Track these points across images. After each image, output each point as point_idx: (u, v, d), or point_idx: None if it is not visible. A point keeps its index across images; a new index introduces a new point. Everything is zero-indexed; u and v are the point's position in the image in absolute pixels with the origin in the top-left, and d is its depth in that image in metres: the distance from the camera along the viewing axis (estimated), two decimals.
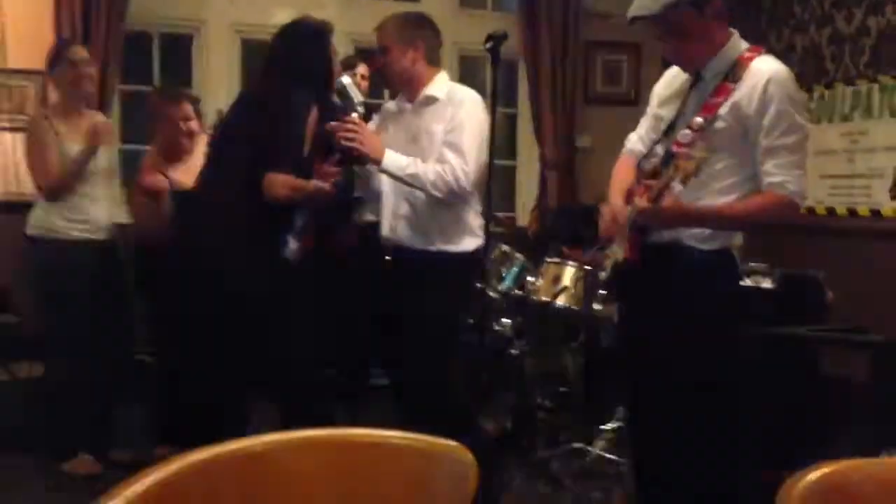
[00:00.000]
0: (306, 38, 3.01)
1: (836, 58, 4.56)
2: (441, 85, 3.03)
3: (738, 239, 2.50)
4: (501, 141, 5.85)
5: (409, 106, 3.07)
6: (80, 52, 3.67)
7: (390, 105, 3.20)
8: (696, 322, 2.35)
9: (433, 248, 3.01)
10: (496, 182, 5.73)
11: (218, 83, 5.10)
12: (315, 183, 2.84)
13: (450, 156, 2.90)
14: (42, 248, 3.55)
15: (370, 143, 2.87)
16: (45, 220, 3.55)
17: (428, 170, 2.90)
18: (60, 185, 3.51)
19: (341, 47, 5.29)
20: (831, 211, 4.56)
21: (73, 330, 3.53)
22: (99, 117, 3.80)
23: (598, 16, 5.54)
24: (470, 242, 3.04)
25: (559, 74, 5.61)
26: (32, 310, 3.82)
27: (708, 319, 2.35)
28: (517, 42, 5.67)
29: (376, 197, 3.13)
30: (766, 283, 3.30)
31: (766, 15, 5.03)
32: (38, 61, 4.61)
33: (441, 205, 2.95)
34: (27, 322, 4.12)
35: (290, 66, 2.92)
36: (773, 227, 2.46)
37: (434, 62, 3.08)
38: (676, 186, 2.21)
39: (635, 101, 5.49)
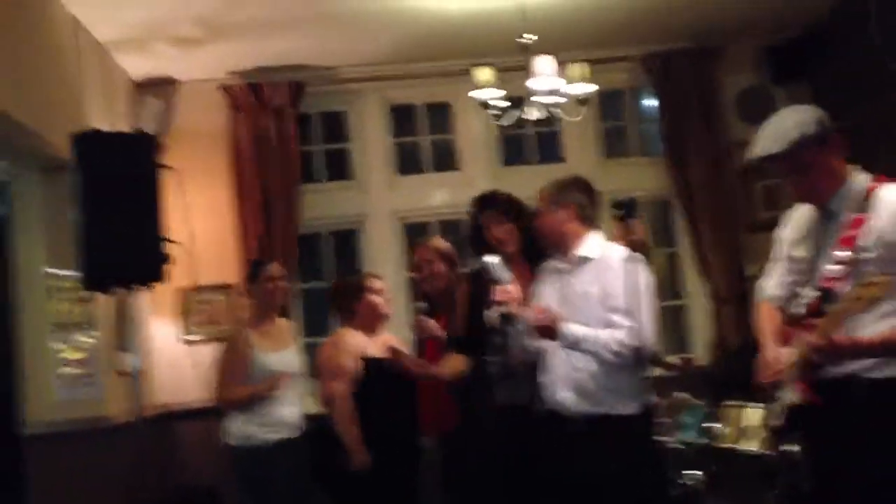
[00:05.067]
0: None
1: None
2: (593, 244, 3.06)
3: None
4: (664, 281, 5.79)
5: (565, 266, 3.10)
6: (277, 269, 4.06)
7: (550, 264, 3.20)
8: (888, 451, 2.27)
9: (602, 411, 2.95)
10: (664, 324, 5.68)
11: (382, 269, 5.45)
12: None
13: (622, 320, 2.89)
14: (243, 455, 3.83)
15: (545, 315, 2.93)
16: (241, 428, 3.84)
17: (609, 341, 2.89)
18: (240, 402, 3.80)
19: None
20: None
21: None
22: (283, 323, 4.14)
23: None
24: (640, 403, 2.98)
25: (716, 206, 5.56)
26: None
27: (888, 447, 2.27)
28: (667, 183, 5.72)
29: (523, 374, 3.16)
30: None
31: None
32: (225, 275, 5.21)
33: (612, 367, 2.93)
34: None
35: None
36: None
37: (587, 222, 3.10)
38: (857, 315, 2.22)
39: None
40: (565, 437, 2.98)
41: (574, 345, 2.92)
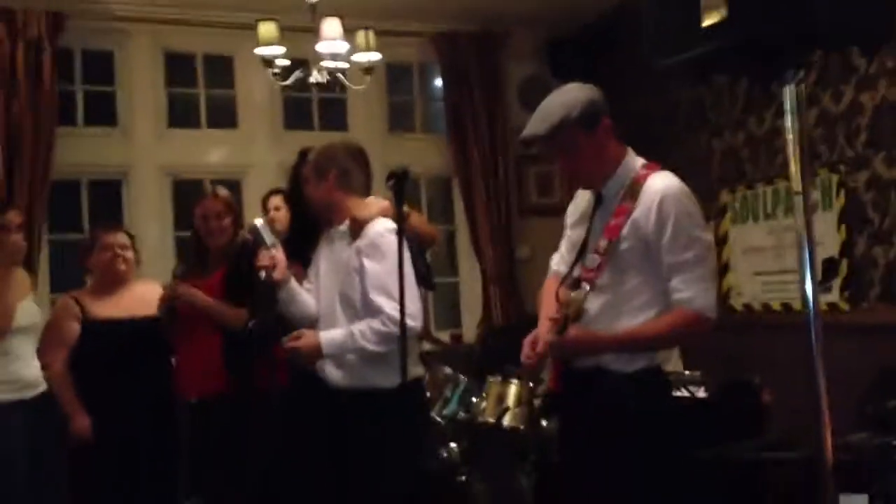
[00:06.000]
0: None
1: (752, 159, 4.71)
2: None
3: (665, 356, 2.49)
4: (442, 258, 5.89)
5: (336, 236, 2.99)
6: (14, 217, 3.61)
7: (327, 232, 3.07)
8: (625, 446, 2.31)
9: (366, 385, 2.89)
10: (440, 300, 5.79)
11: (147, 225, 5.09)
12: None
13: (381, 300, 2.77)
14: None
15: (305, 340, 2.82)
16: None
17: (366, 333, 2.78)
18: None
19: (274, 180, 5.40)
20: (767, 307, 4.62)
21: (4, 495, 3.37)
22: (20, 273, 3.73)
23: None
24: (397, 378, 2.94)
25: (492, 189, 5.72)
26: None
27: (636, 442, 2.31)
28: (449, 161, 5.81)
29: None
30: (700, 393, 3.29)
31: (682, 121, 5.21)
32: None
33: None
34: None
35: None
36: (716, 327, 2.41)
37: (353, 190, 2.96)
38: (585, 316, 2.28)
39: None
40: (333, 410, 2.91)
41: (339, 352, 2.82)
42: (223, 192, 3.78)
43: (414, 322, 2.72)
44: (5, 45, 4.70)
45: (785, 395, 3.60)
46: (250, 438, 3.40)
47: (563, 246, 2.65)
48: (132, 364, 3.65)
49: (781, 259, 4.50)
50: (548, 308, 2.53)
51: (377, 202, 2.97)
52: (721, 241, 4.83)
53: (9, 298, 3.42)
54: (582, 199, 2.58)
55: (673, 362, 3.82)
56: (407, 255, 2.71)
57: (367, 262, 2.83)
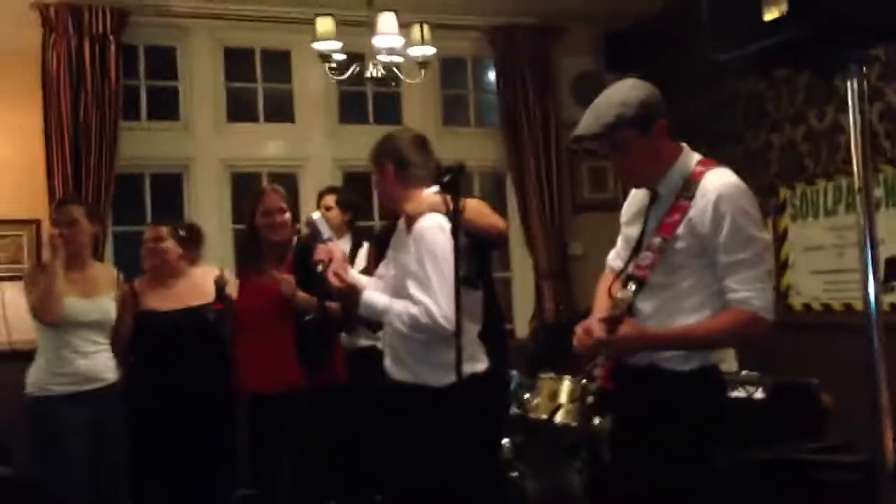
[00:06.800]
0: None
1: (812, 154, 4.61)
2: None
3: (721, 355, 2.47)
4: (494, 253, 5.86)
5: (400, 227, 2.97)
6: (78, 212, 3.72)
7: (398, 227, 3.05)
8: (678, 446, 2.29)
9: (415, 381, 2.86)
10: None
11: (207, 217, 5.18)
12: None
13: (420, 295, 2.76)
14: (35, 406, 3.56)
15: (351, 282, 2.84)
16: (36, 377, 3.58)
17: (403, 313, 2.78)
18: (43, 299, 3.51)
19: (329, 176, 5.46)
20: (827, 307, 4.52)
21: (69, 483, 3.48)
22: (100, 268, 3.87)
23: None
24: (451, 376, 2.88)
25: (545, 184, 5.69)
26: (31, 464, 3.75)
27: (690, 441, 2.29)
28: (502, 156, 5.80)
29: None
30: (758, 394, 3.23)
31: (740, 115, 5.12)
32: (32, 209, 4.78)
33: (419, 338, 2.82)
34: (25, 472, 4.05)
35: None
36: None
37: (413, 182, 2.92)
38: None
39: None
40: (390, 406, 2.93)
41: (373, 314, 2.85)
42: (281, 190, 3.80)
43: (447, 324, 2.68)
44: (72, 41, 4.82)
45: (845, 397, 3.53)
46: (320, 430, 3.41)
47: (620, 243, 2.64)
48: (182, 354, 3.70)
49: (842, 257, 4.40)
50: (601, 304, 2.52)
51: (429, 196, 2.93)
52: (780, 239, 4.74)
53: (56, 291, 3.51)
54: (637, 196, 2.56)
55: (729, 362, 3.78)
56: (452, 252, 2.64)
57: (410, 259, 2.83)
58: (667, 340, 2.33)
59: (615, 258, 2.64)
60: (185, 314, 3.75)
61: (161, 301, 3.81)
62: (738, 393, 3.17)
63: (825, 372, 3.70)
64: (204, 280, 3.77)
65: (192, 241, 3.99)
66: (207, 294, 3.67)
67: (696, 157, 2.43)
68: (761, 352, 4.00)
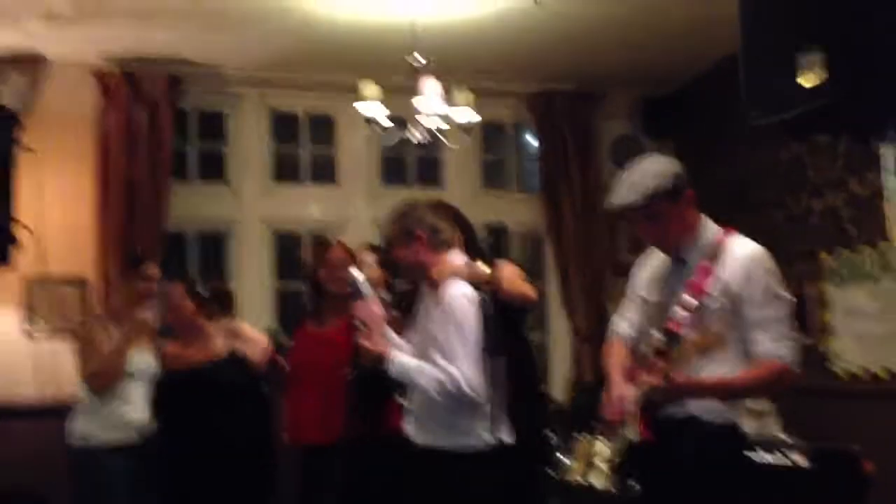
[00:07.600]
0: None
1: (854, 219, 4.59)
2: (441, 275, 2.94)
3: (762, 421, 2.53)
4: (532, 315, 5.88)
5: (427, 293, 2.99)
6: (153, 270, 3.85)
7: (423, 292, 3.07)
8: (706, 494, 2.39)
9: (439, 445, 2.85)
10: None
11: (249, 276, 5.27)
12: None
13: (445, 364, 2.77)
14: (80, 457, 3.64)
15: (376, 343, 2.86)
16: (81, 428, 3.66)
17: (431, 380, 2.79)
18: (102, 371, 3.60)
19: (370, 237, 5.54)
20: (869, 373, 4.45)
21: None
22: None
23: None
24: (477, 440, 2.84)
25: (584, 247, 5.72)
26: None
27: (716, 492, 2.39)
28: (541, 218, 5.85)
29: None
30: (800, 459, 3.19)
31: (780, 180, 5.13)
32: (79, 267, 4.92)
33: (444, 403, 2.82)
34: None
35: None
36: (806, 393, 2.47)
37: (443, 247, 2.95)
38: (693, 360, 2.36)
39: None
40: (410, 469, 2.93)
41: (402, 375, 2.85)
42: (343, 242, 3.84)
43: (474, 393, 2.74)
44: (128, 106, 5.02)
45: (887, 465, 3.47)
46: (358, 482, 3.41)
47: (632, 308, 2.71)
48: (202, 408, 3.67)
49: (886, 323, 4.35)
50: (621, 366, 2.60)
51: (452, 262, 2.96)
52: (820, 303, 4.70)
53: (126, 352, 3.60)
54: (654, 263, 2.68)
55: (770, 426, 3.73)
56: (476, 319, 2.75)
57: (435, 326, 2.85)
58: (711, 389, 2.46)
59: (628, 325, 2.71)
60: (195, 371, 3.74)
61: (178, 358, 3.79)
62: (781, 458, 3.13)
63: (867, 438, 3.64)
64: (216, 333, 3.81)
65: (216, 300, 4.01)
66: (219, 346, 3.73)
67: (714, 225, 2.61)
68: (803, 417, 3.95)
